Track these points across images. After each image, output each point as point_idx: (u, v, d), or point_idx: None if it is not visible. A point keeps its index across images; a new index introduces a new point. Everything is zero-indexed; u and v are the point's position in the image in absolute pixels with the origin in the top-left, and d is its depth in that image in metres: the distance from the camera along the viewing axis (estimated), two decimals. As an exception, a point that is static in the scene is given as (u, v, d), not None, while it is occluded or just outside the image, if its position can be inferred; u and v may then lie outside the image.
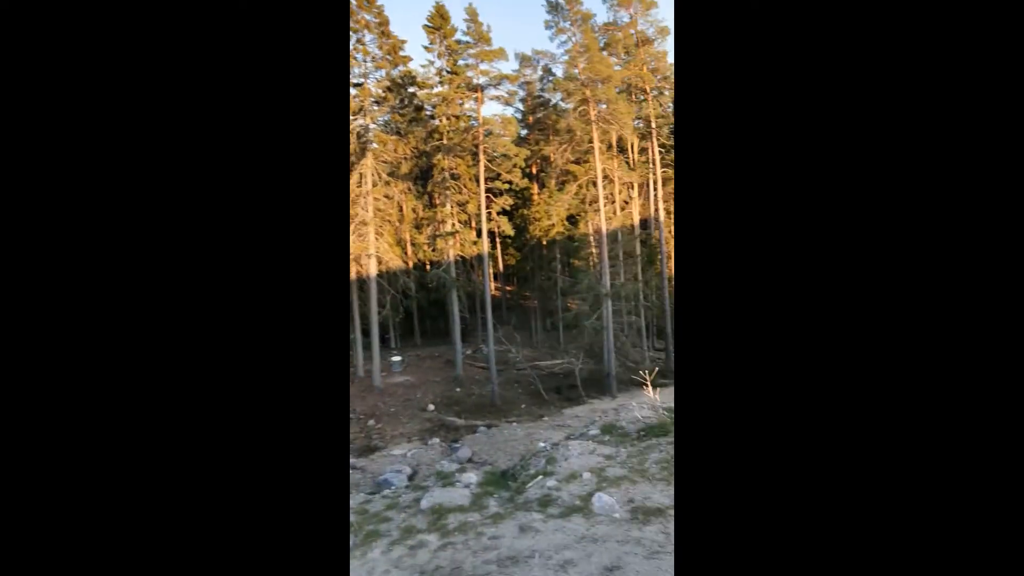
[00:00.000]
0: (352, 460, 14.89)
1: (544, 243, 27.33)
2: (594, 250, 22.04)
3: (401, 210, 23.89)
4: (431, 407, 19.32)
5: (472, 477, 6.70)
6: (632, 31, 22.10)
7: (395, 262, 22.92)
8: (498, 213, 21.18)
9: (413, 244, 25.98)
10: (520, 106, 27.26)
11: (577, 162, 22.12)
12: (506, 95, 21.67)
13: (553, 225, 25.55)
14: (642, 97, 22.99)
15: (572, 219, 25.58)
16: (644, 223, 25.46)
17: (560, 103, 21.07)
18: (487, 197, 20.47)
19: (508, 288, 35.47)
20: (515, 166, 20.75)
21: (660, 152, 24.03)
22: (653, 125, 23.05)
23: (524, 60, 21.90)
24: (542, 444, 8.90)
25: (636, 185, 23.49)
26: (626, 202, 22.76)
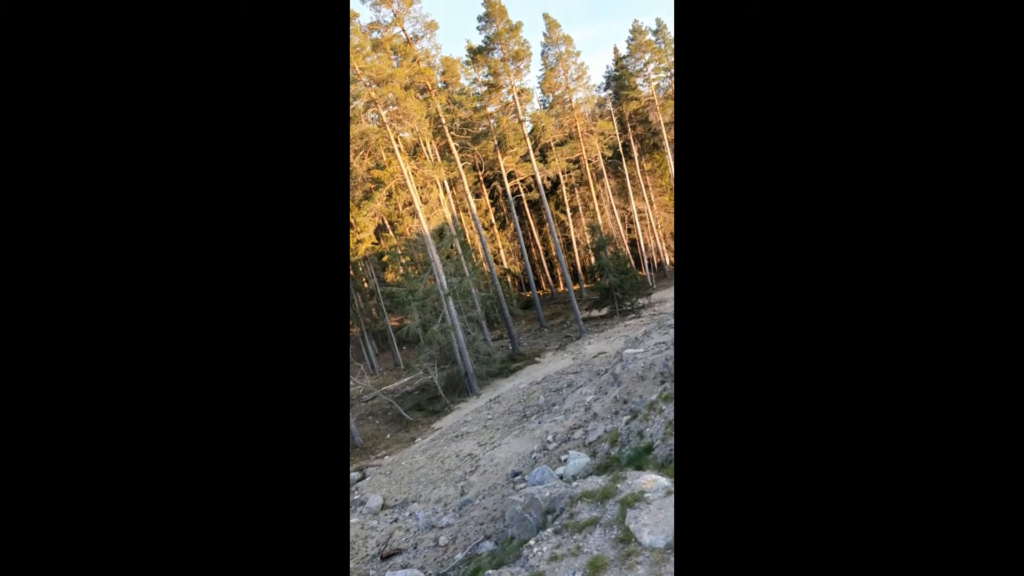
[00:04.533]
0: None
1: (349, 264, 25.51)
2: (406, 257, 21.25)
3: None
4: (283, 473, 16.61)
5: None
6: (398, 28, 21.61)
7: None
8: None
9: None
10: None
11: (378, 167, 21.02)
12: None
13: (362, 241, 23.95)
14: (426, 94, 22.75)
15: (380, 229, 24.41)
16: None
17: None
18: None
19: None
20: (312, 183, 18.76)
21: (455, 147, 24.17)
22: (443, 120, 23.00)
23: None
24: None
25: (439, 182, 23.27)
26: (438, 200, 22.41)
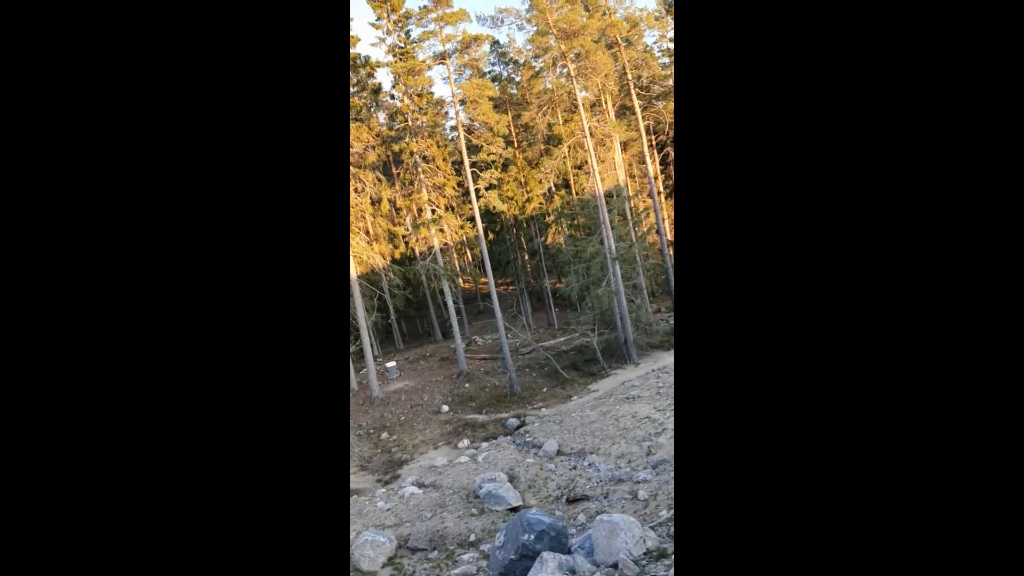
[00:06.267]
0: (380, 477, 13.39)
1: (515, 222, 25.99)
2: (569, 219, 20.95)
3: (374, 203, 21.92)
4: (445, 408, 17.90)
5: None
6: (593, -21, 20.85)
7: (375, 259, 21.03)
8: (486, 188, 19.59)
9: (391, 238, 24.04)
10: (494, 70, 25.52)
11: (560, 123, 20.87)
12: (475, 59, 20.04)
13: (530, 200, 24.20)
14: (613, 49, 21.87)
15: (551, 189, 24.51)
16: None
17: (532, 63, 19.59)
18: (472, 173, 18.84)
19: (482, 278, 33.95)
20: (496, 135, 19.22)
21: (640, 104, 23.08)
22: (629, 76, 22.00)
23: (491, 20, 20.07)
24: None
25: (619, 142, 22.47)
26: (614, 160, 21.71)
